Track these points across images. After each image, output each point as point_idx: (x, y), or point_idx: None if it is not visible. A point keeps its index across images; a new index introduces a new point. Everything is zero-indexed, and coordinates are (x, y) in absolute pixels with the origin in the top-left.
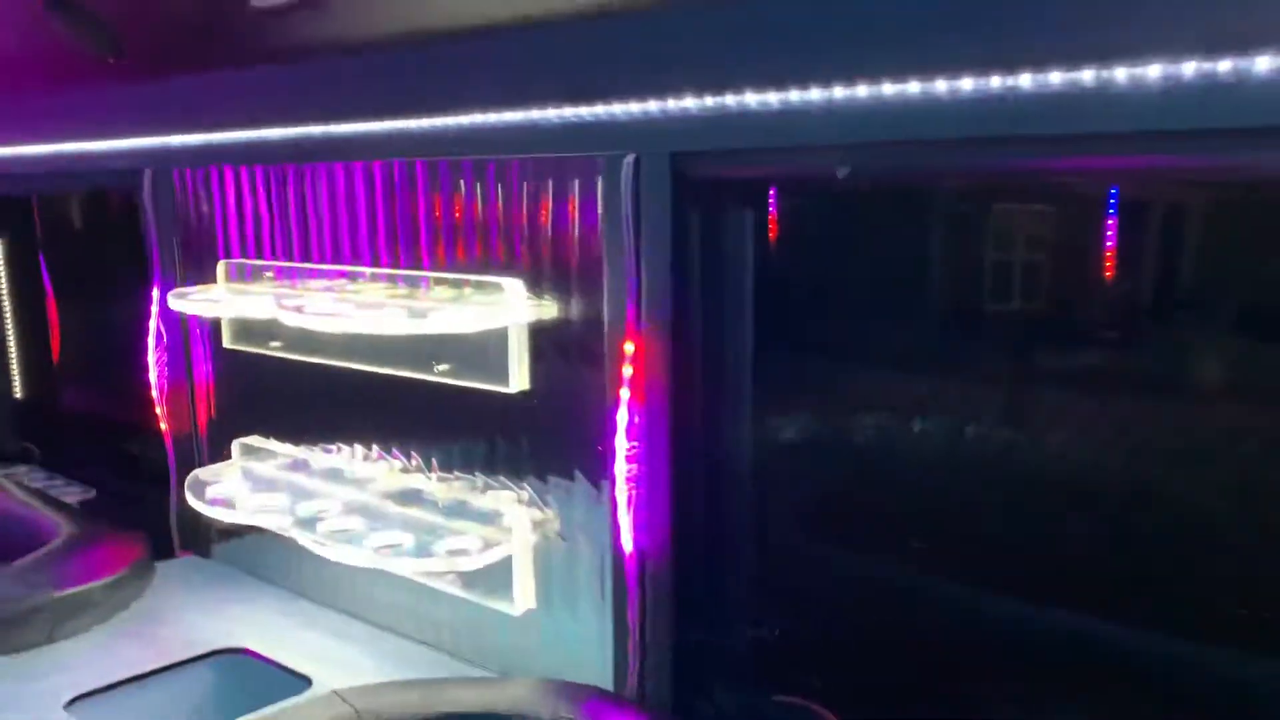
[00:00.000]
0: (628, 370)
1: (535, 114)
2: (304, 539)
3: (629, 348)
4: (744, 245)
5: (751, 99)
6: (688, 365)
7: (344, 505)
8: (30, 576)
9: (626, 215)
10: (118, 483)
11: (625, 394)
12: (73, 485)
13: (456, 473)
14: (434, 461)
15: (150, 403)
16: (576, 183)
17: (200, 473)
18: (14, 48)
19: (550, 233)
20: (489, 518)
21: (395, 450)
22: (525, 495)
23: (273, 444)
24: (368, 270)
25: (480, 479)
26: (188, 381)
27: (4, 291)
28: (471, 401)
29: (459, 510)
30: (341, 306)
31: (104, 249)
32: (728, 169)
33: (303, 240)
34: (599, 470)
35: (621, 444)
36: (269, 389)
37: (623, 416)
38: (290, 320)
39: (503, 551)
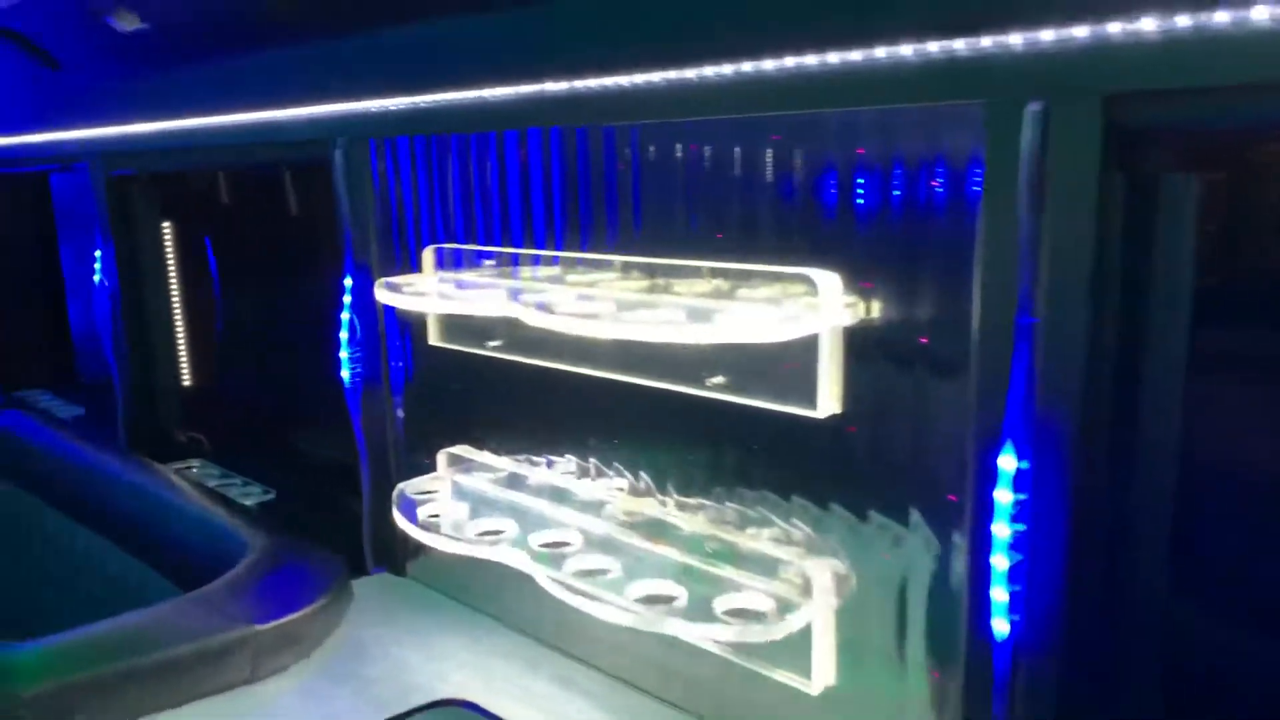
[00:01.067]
0: (1010, 393)
1: (889, 50)
2: (546, 580)
3: (1013, 362)
4: (1184, 226)
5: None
6: (1099, 390)
7: (584, 537)
8: (227, 606)
9: (1024, 183)
10: (296, 482)
11: (1007, 426)
12: (250, 485)
13: (709, 502)
14: (674, 485)
15: (331, 398)
16: (938, 140)
17: (406, 487)
18: (183, 10)
19: (890, 211)
20: (767, 566)
21: (620, 468)
22: (820, 542)
23: (485, 456)
24: (616, 258)
25: (753, 514)
26: (383, 380)
27: (173, 277)
28: (747, 419)
29: (727, 552)
30: (597, 306)
31: (281, 231)
32: (1188, 119)
33: (523, 221)
34: (947, 525)
35: (1003, 495)
36: (477, 391)
37: (1008, 458)
38: (536, 321)
39: (804, 618)
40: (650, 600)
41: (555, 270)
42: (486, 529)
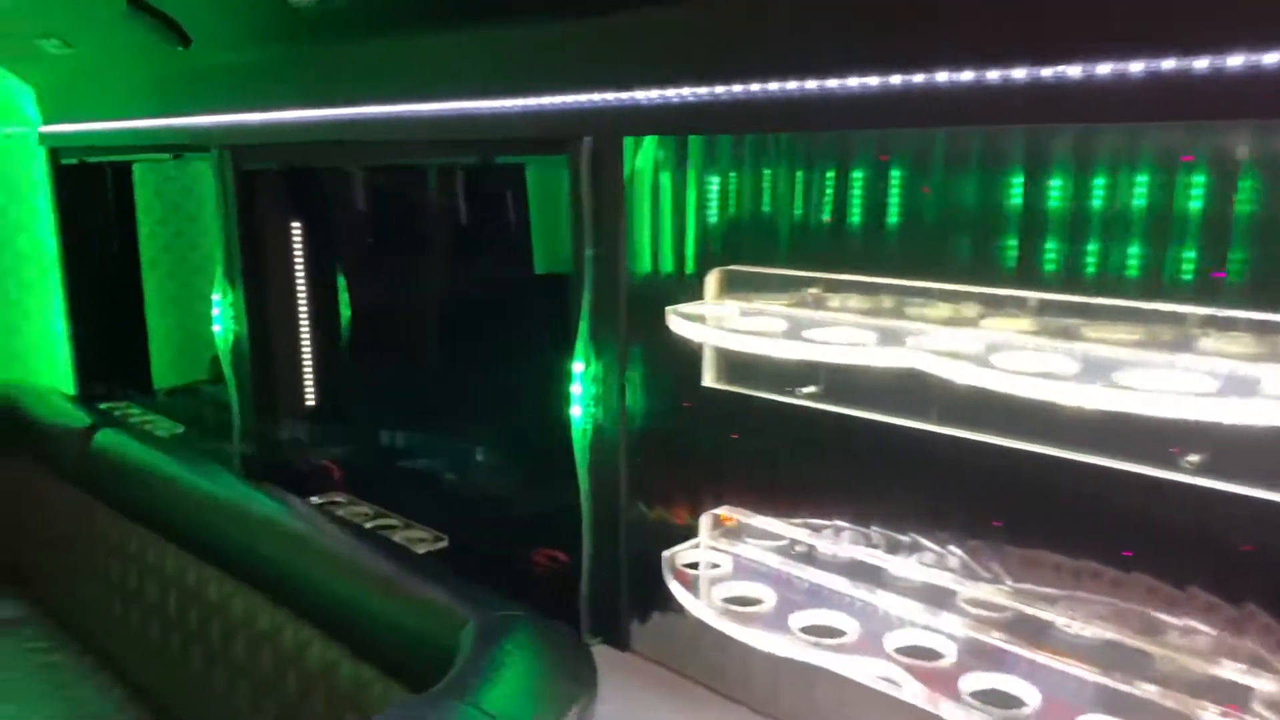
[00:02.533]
0: None
1: None
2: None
3: None
4: None
5: None
6: None
7: (955, 644)
8: (468, 712)
9: None
10: (469, 529)
11: None
12: (413, 528)
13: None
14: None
15: (515, 434)
16: None
17: (676, 555)
18: None
19: None
20: (1223, 691)
21: (956, 549)
22: None
23: (765, 520)
24: (1033, 295)
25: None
26: (620, 422)
27: (301, 285)
28: (1202, 505)
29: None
30: (1057, 362)
31: (444, 238)
32: None
33: (878, 241)
34: None
35: None
36: (754, 442)
37: None
38: (969, 379)
39: None
40: None
41: (933, 307)
42: (803, 620)
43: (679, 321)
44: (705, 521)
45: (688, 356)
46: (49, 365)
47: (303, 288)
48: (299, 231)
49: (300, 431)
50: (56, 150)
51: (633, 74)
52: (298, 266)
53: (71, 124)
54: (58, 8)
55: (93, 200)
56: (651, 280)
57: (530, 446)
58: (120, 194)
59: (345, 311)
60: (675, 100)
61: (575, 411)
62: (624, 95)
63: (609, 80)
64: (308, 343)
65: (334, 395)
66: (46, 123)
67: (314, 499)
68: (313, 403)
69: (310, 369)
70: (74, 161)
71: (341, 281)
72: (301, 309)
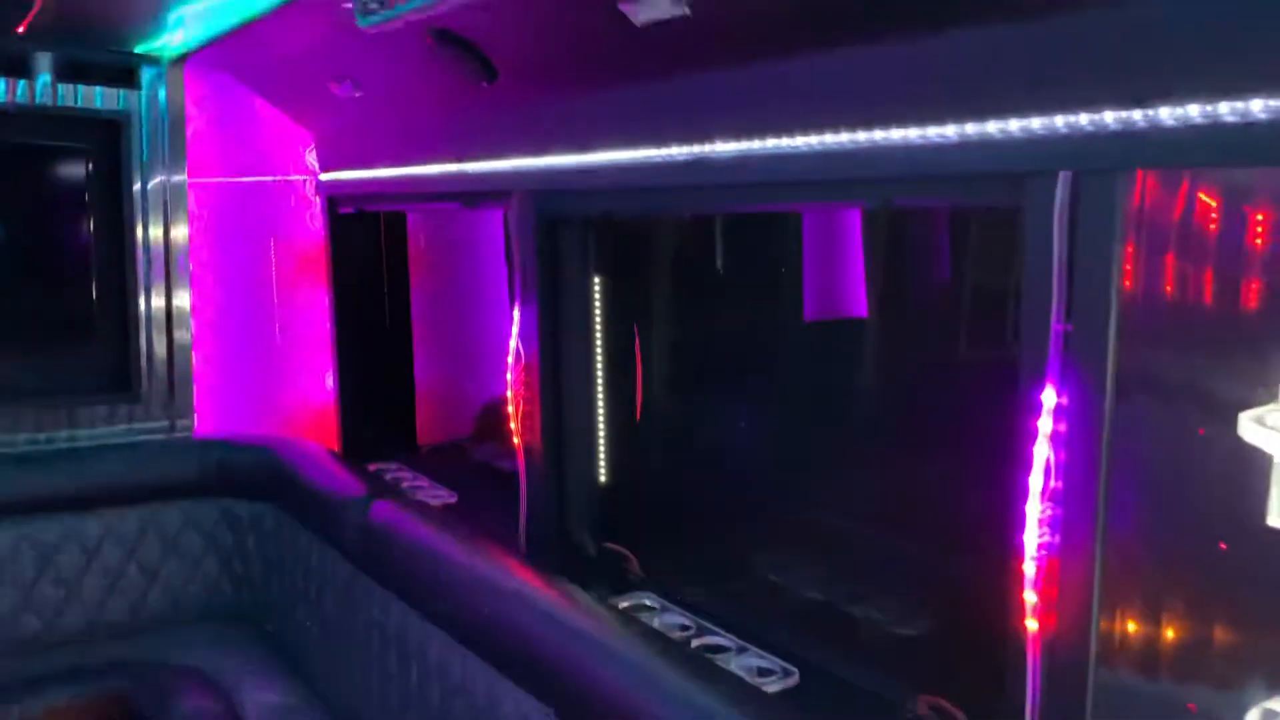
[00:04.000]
0: None
1: None
2: None
3: None
4: None
5: None
6: None
7: None
8: None
9: None
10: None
11: None
12: (751, 650)
13: None
14: None
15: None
16: None
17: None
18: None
19: None
20: None
21: None
22: None
23: None
24: None
25: None
26: (1096, 540)
27: (599, 346)
28: None
29: None
30: None
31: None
32: None
33: None
34: None
35: None
36: None
37: None
38: None
39: None
40: None
41: None
42: None
43: (1261, 433)
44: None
45: (1238, 479)
46: (311, 416)
47: (600, 349)
48: (600, 288)
49: (592, 511)
50: (334, 199)
51: (1161, 83)
52: (597, 327)
53: (351, 171)
54: (351, 49)
55: (366, 249)
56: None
57: (928, 551)
58: (392, 242)
59: (651, 374)
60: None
61: (1030, 539)
62: (1133, 115)
63: (1114, 95)
64: (603, 410)
65: (632, 470)
66: (324, 170)
67: (618, 601)
68: (606, 478)
69: (605, 439)
70: (352, 210)
71: (646, 341)
72: (598, 373)
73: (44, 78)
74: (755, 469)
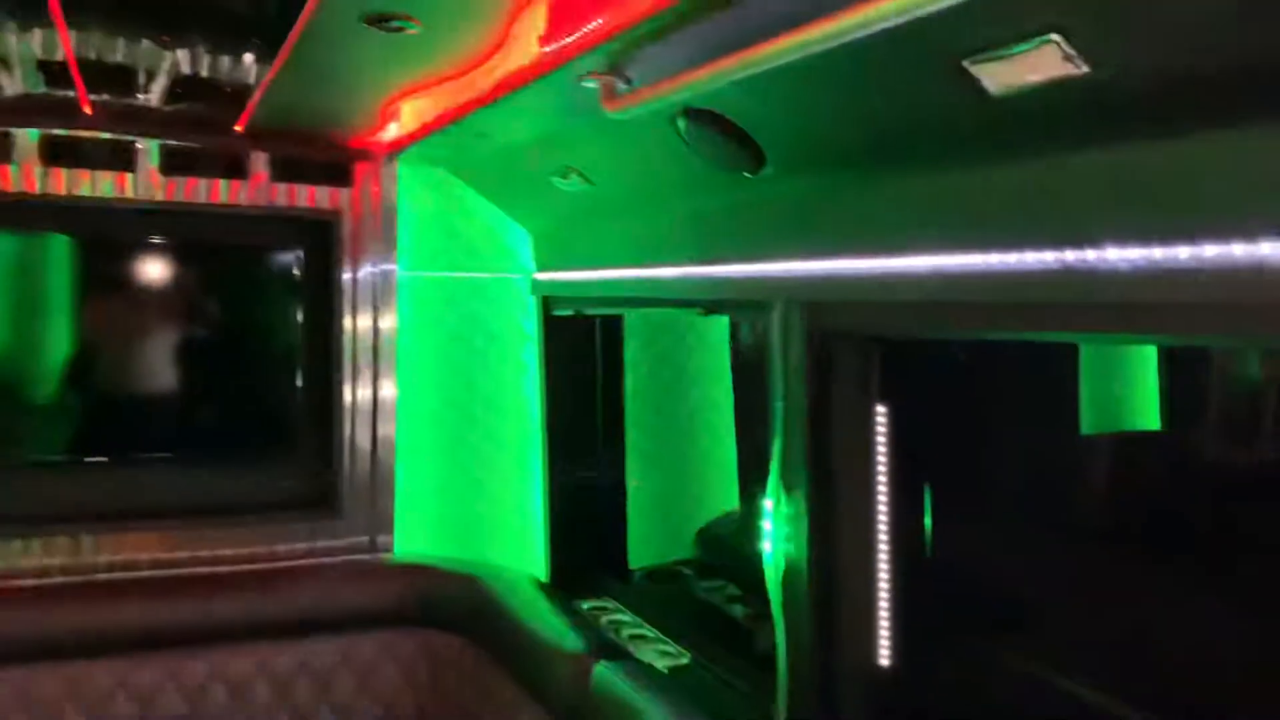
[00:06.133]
0: None
1: None
2: None
3: None
4: None
5: None
6: None
7: None
8: None
9: None
10: None
11: None
12: None
13: None
14: None
15: None
16: None
17: None
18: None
19: None
20: None
21: None
22: None
23: None
24: None
25: None
26: None
27: (883, 490)
28: None
29: None
30: None
31: None
32: None
33: None
34: None
35: None
36: None
37: None
38: None
39: None
40: None
41: None
42: None
43: None
44: None
45: None
46: (515, 533)
47: (884, 498)
48: (884, 420)
49: (871, 702)
50: (549, 299)
51: None
52: (880, 465)
53: (571, 271)
54: (582, 137)
55: (580, 353)
56: None
57: None
58: (607, 344)
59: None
60: None
61: None
62: None
63: None
64: (886, 577)
65: (919, 654)
66: (540, 269)
67: None
68: (888, 662)
69: (888, 615)
70: (569, 313)
71: (933, 478)
72: (880, 522)
73: (259, 177)
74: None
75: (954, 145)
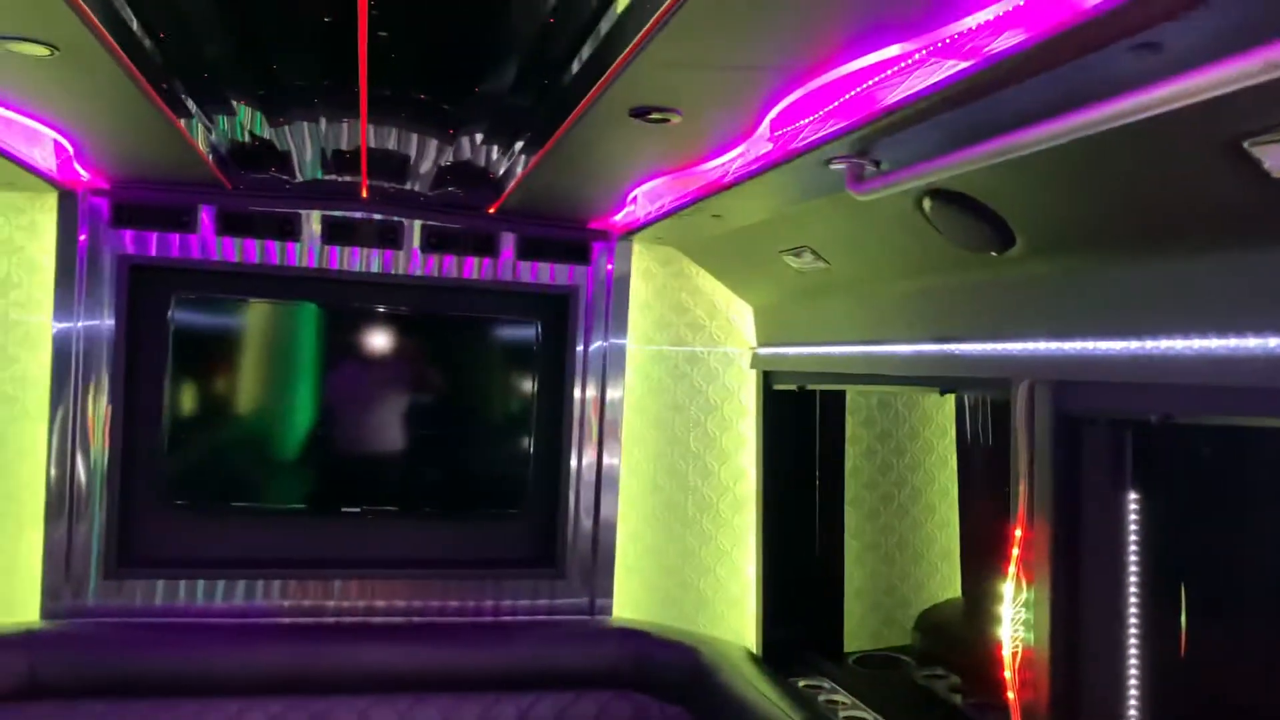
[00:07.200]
0: None
1: None
2: None
3: None
4: None
5: None
6: None
7: None
8: None
9: None
10: None
11: None
12: None
13: None
14: None
15: None
16: None
17: None
18: None
19: None
20: None
21: None
22: None
23: None
24: None
25: None
26: None
27: (1133, 587)
28: None
29: None
30: None
31: None
32: None
33: None
34: None
35: None
36: None
37: None
38: None
39: None
40: None
41: None
42: None
43: None
44: None
45: None
46: (728, 605)
47: (1136, 592)
48: (1136, 508)
49: None
50: (770, 374)
51: None
52: (1132, 556)
53: (794, 347)
54: (825, 218)
55: (800, 428)
56: None
57: None
58: (828, 420)
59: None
60: None
61: None
62: None
63: None
64: (1135, 676)
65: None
66: (763, 344)
67: None
68: None
69: (1136, 717)
70: (790, 388)
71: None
72: (1131, 617)
73: (506, 254)
74: None
75: (1228, 226)
